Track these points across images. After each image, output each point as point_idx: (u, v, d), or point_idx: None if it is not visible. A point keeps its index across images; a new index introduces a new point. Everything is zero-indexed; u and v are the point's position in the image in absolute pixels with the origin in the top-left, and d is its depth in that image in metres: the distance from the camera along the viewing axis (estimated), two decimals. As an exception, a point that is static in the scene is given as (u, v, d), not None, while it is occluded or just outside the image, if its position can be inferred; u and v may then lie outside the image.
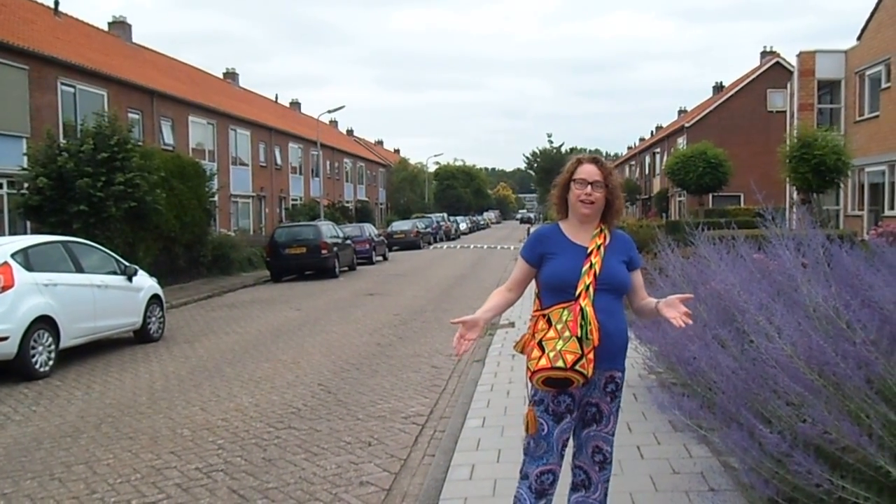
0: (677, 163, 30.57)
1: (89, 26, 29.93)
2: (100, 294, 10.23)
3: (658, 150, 49.78)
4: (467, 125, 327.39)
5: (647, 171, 54.71)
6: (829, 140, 20.42)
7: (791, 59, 31.85)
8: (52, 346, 9.18)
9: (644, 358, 6.65)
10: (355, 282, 20.83)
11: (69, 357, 9.84)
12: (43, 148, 16.61)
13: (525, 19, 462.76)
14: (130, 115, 24.71)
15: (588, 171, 3.16)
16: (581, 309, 2.99)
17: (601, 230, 3.19)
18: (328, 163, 47.76)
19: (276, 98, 52.50)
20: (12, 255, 9.08)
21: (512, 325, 10.85)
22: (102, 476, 5.39)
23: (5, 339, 8.49)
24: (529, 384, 3.10)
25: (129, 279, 11.00)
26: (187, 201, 20.48)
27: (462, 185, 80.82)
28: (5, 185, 19.12)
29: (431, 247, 40.36)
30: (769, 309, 3.87)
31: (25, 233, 17.41)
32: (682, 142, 40.43)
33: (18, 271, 8.95)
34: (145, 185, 16.84)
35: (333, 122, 63.05)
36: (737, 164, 30.62)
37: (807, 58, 25.74)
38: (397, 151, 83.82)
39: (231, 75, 44.47)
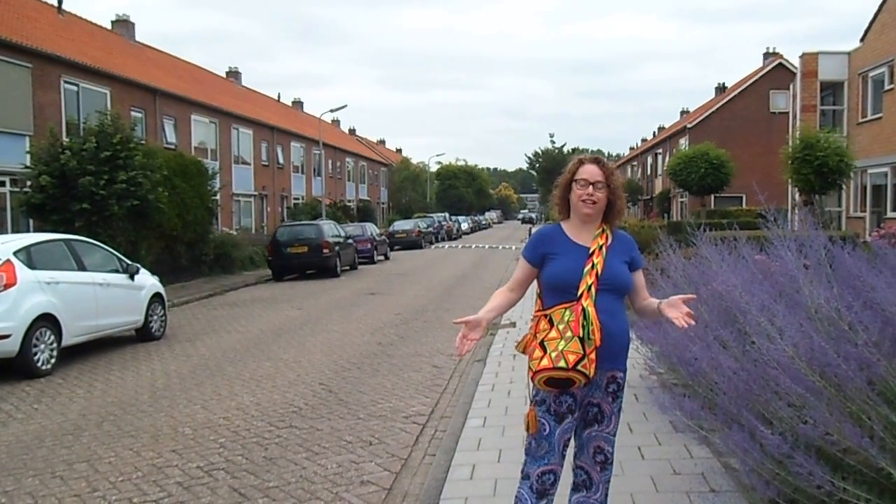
0: (679, 163, 30.53)
1: (92, 24, 29.96)
2: (102, 292, 10.24)
3: (660, 150, 49.75)
4: (469, 125, 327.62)
5: (648, 172, 54.68)
6: (831, 141, 20.40)
7: (794, 60, 31.86)
8: (54, 344, 9.19)
9: (645, 358, 6.65)
10: (357, 281, 20.84)
11: (71, 355, 9.86)
12: (46, 146, 16.64)
13: (527, 19, 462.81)
14: (133, 113, 24.74)
15: (590, 171, 3.16)
16: (583, 309, 2.99)
17: (603, 230, 3.20)
18: (330, 162, 47.79)
19: (279, 97, 52.58)
20: (15, 253, 9.10)
21: (513, 325, 10.85)
22: (104, 474, 5.40)
23: (7, 336, 8.50)
24: (531, 384, 3.10)
25: (131, 277, 11.01)
26: (189, 200, 20.50)
27: (464, 184, 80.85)
28: (8, 183, 19.15)
29: (433, 246, 40.36)
30: (771, 310, 3.86)
31: (28, 231, 17.44)
32: (684, 142, 40.38)
33: (21, 269, 8.97)
34: (148, 184, 16.86)
35: (336, 122, 63.08)
36: (739, 165, 30.58)
37: (810, 59, 25.71)
38: (399, 151, 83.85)
39: (234, 74, 44.48)
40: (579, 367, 2.93)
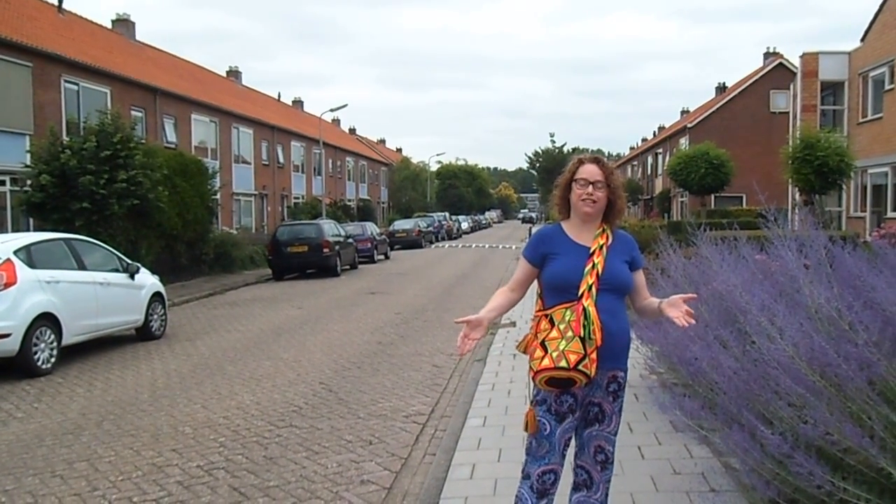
0: (679, 163, 30.52)
1: (93, 24, 29.95)
2: (102, 291, 10.25)
3: (660, 150, 49.73)
4: (469, 125, 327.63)
5: (649, 172, 54.65)
6: (831, 141, 20.39)
7: (794, 60, 31.85)
8: (55, 344, 9.19)
9: (645, 358, 6.65)
10: (357, 280, 20.84)
11: (71, 354, 9.86)
12: (46, 145, 16.64)
13: (527, 19, 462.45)
14: (133, 112, 24.74)
15: (589, 171, 3.16)
16: (584, 309, 3.00)
17: (603, 230, 3.20)
18: (330, 161, 47.78)
19: (279, 96, 52.61)
20: (15, 252, 9.10)
21: (513, 324, 10.85)
22: (104, 473, 5.41)
23: (7, 335, 8.51)
24: (531, 384, 3.11)
25: (132, 277, 11.02)
26: (189, 199, 20.50)
27: (464, 184, 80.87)
28: (8, 183, 19.15)
29: (433, 246, 40.36)
30: (771, 310, 3.86)
31: (28, 230, 17.44)
32: (684, 142, 40.36)
33: (21, 268, 8.97)
34: (148, 183, 16.87)
35: (336, 121, 63.06)
36: (739, 165, 30.58)
37: (810, 59, 25.71)
38: (399, 150, 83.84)
39: (234, 73, 44.47)
40: (580, 367, 2.94)
